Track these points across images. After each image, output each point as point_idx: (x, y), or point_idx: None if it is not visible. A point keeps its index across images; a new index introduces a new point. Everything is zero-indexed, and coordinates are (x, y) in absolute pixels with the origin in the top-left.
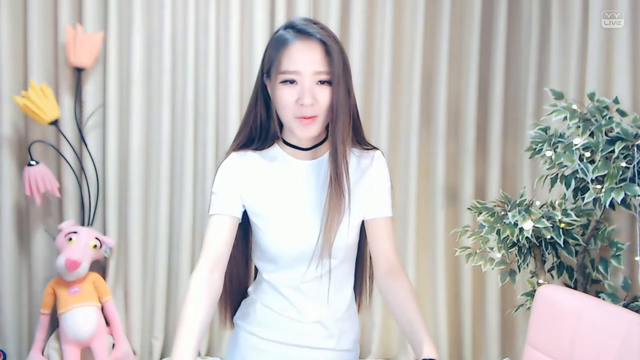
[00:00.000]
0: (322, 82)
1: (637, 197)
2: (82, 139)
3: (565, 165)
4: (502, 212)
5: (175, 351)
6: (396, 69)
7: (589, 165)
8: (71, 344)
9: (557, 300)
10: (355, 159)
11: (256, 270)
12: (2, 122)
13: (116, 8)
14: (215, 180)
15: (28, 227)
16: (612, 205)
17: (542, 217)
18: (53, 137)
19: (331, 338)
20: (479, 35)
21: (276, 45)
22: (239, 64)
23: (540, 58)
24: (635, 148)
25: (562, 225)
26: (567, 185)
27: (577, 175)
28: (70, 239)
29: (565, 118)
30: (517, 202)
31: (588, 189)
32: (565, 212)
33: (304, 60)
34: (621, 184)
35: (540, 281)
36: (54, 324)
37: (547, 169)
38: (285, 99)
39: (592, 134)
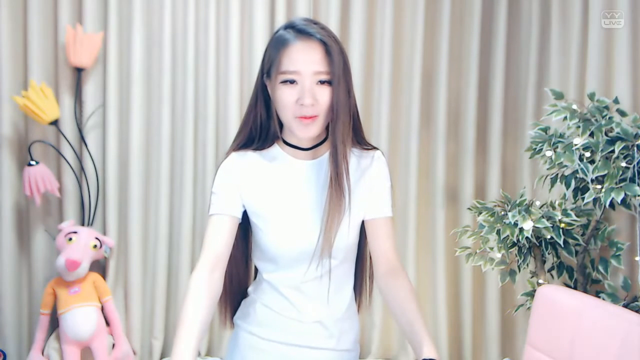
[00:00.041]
0: (322, 82)
1: (637, 197)
2: (82, 139)
3: (565, 165)
4: (502, 212)
5: (175, 351)
6: (396, 69)
7: (589, 165)
8: (71, 344)
9: (557, 300)
10: (355, 159)
11: (256, 270)
12: (2, 122)
13: (116, 8)
14: (215, 180)
15: (28, 227)
16: (612, 205)
17: (542, 217)
18: (53, 137)
19: (331, 338)
20: (479, 35)
21: (276, 45)
22: (239, 64)
23: (540, 58)
24: (635, 148)
25: (562, 225)
26: (567, 185)
27: (577, 175)
28: (70, 239)
29: (565, 118)
30: (517, 202)
31: (588, 189)
32: (565, 212)
33: (304, 61)
34: (621, 184)
35: (540, 281)
36: (54, 324)
37: (547, 169)
38: (285, 99)
39: (592, 134)
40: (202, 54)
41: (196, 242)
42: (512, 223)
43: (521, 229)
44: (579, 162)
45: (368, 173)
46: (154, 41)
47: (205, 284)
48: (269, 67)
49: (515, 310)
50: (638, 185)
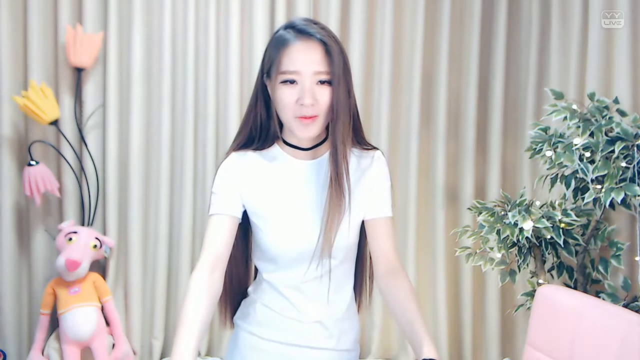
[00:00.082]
0: (322, 82)
1: (637, 197)
2: (82, 139)
3: (565, 165)
4: (502, 212)
5: (175, 351)
6: (396, 69)
7: (589, 165)
8: (71, 344)
9: (557, 300)
10: (355, 159)
11: (256, 270)
12: (2, 122)
13: (116, 8)
14: (215, 180)
15: (28, 227)
16: (612, 205)
17: (542, 217)
18: (53, 137)
19: (331, 338)
20: (479, 35)
21: (276, 46)
22: (239, 64)
23: (540, 58)
24: (635, 148)
25: (562, 225)
26: (567, 185)
27: (577, 175)
28: (70, 239)
29: (565, 118)
30: (517, 202)
31: (588, 189)
32: (565, 212)
33: (304, 61)
34: (621, 184)
35: (540, 281)
36: (54, 324)
37: (547, 169)
38: (285, 99)
39: (592, 134)
40: (202, 54)
41: (196, 242)
42: (512, 223)
43: (521, 229)
44: (579, 162)
45: (368, 173)
46: (154, 41)
47: (205, 284)
48: (269, 67)
49: (515, 310)
50: (638, 185)
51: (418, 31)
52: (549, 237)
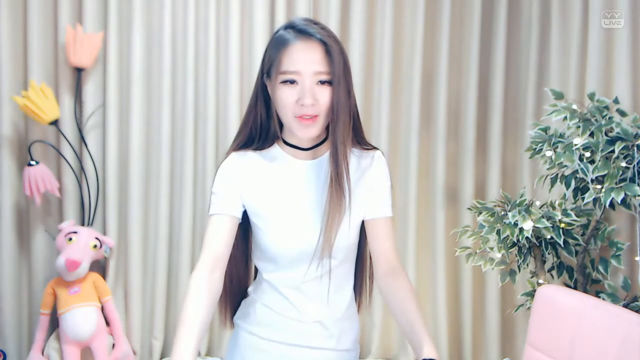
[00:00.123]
0: (322, 82)
1: (637, 197)
2: (82, 139)
3: (565, 165)
4: (502, 212)
5: (175, 351)
6: (396, 69)
7: (589, 165)
8: (71, 344)
9: (557, 300)
10: (355, 159)
11: (256, 270)
12: (2, 122)
13: (116, 8)
14: (215, 180)
15: (28, 227)
16: (612, 205)
17: (542, 217)
18: (53, 137)
19: (331, 338)
20: (479, 35)
21: (276, 46)
22: (239, 64)
23: (540, 58)
24: (635, 148)
25: (562, 225)
26: (567, 185)
27: (577, 175)
28: (70, 239)
29: (565, 118)
30: (517, 202)
31: (588, 189)
32: (565, 212)
33: (305, 61)
34: (621, 184)
35: (540, 281)
36: (54, 324)
37: (547, 169)
38: (285, 99)
39: (592, 134)
40: (202, 54)
41: (196, 242)
42: (512, 223)
43: (521, 229)
44: (579, 162)
45: (368, 173)
46: (154, 41)
47: (205, 284)
48: (269, 67)
49: (515, 310)
50: (638, 185)
51: (418, 31)
52: (549, 237)
